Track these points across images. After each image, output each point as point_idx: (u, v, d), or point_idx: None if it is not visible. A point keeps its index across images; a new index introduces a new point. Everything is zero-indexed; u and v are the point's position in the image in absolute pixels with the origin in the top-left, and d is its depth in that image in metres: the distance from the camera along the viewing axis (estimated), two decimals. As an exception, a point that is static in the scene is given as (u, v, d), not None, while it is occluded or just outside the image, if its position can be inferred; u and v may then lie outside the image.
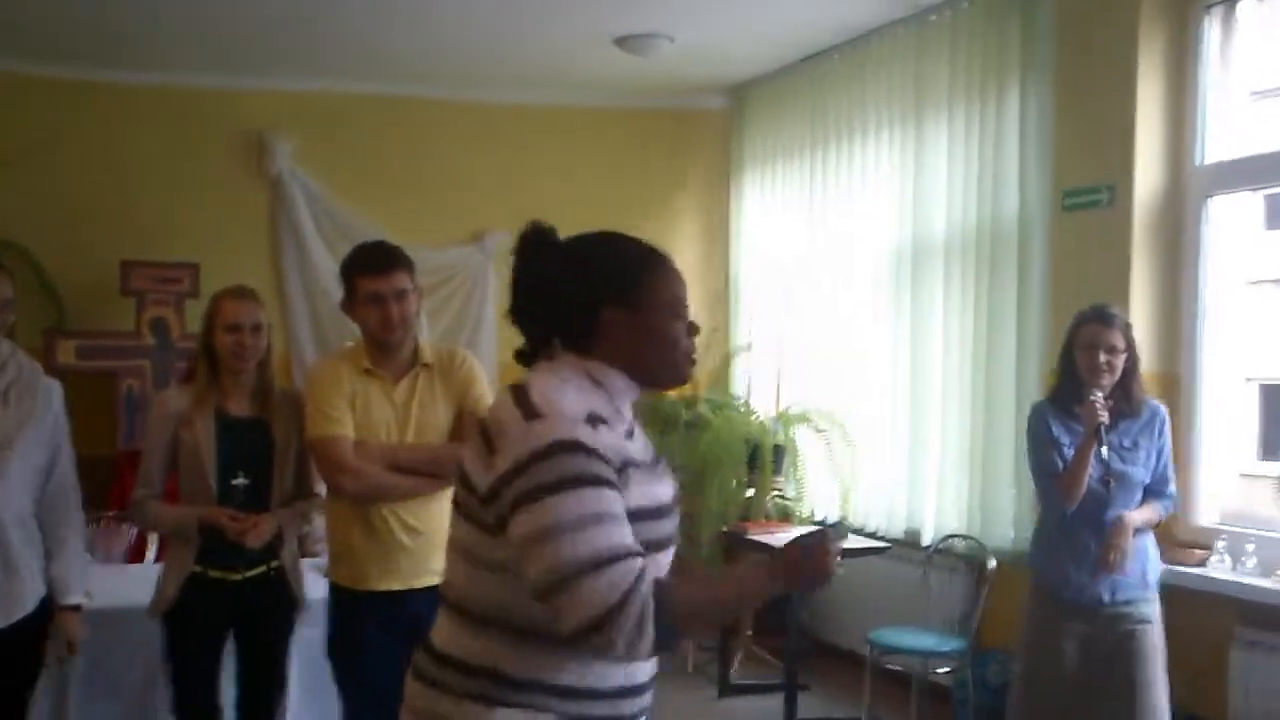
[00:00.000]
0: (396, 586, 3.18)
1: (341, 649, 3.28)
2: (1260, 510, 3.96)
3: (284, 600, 3.53)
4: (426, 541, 3.15)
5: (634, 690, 1.88)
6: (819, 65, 6.30)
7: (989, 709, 4.66)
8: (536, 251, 1.91)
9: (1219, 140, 4.54)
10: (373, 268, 3.16)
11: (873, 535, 5.61)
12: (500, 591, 1.80)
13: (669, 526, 1.89)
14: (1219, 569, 4.18)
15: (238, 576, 3.43)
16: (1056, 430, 3.62)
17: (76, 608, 3.28)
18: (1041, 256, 4.88)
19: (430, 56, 6.43)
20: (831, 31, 5.94)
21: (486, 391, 3.26)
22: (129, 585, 4.00)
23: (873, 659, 4.88)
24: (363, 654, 3.19)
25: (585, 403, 1.81)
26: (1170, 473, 3.71)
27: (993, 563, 4.88)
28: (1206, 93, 4.54)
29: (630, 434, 1.89)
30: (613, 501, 1.72)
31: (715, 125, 7.33)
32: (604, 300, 1.85)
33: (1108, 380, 3.55)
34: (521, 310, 1.91)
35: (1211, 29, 4.56)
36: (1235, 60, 4.57)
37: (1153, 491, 3.68)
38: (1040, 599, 3.71)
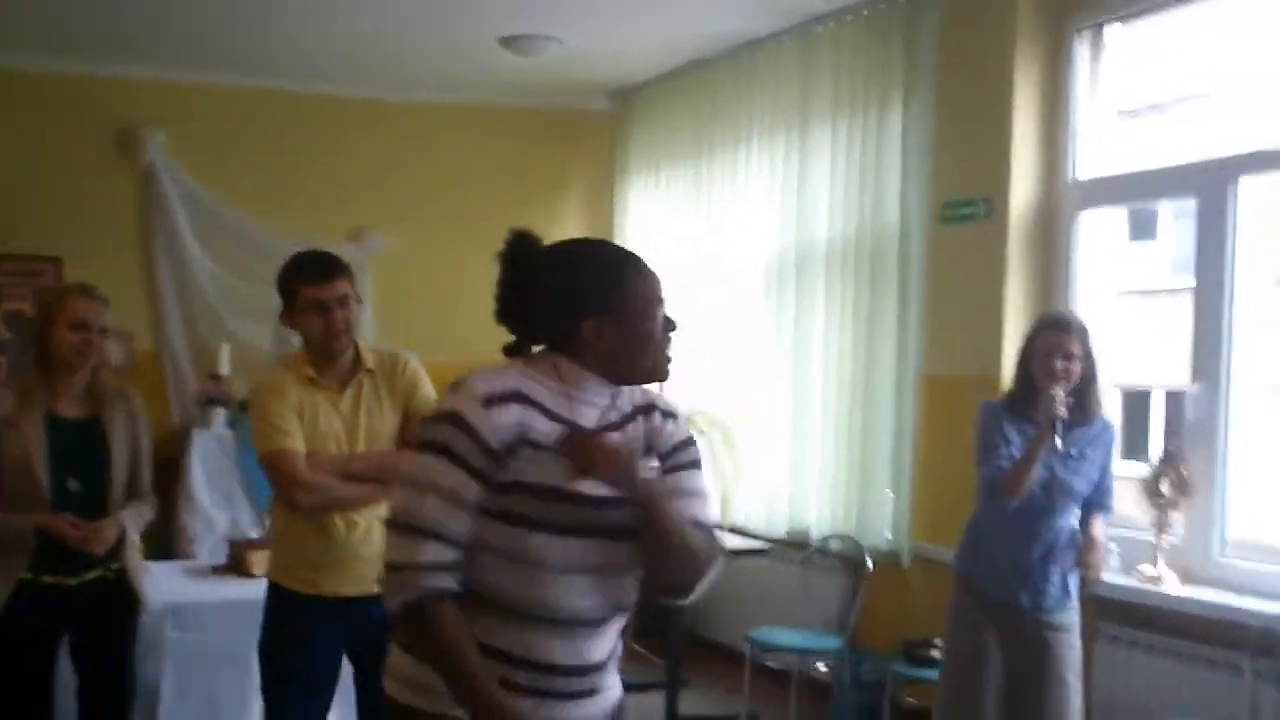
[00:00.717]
0: (350, 592, 3.12)
1: (281, 652, 3.20)
2: (1122, 510, 4.11)
3: (125, 602, 3.45)
4: (379, 550, 3.10)
5: (568, 670, 1.96)
6: (706, 72, 6.37)
7: (865, 705, 4.77)
8: (520, 260, 2.03)
9: (1090, 157, 4.72)
10: (315, 275, 3.11)
11: (754, 536, 5.69)
12: None
13: (586, 515, 1.93)
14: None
15: (74, 581, 3.32)
16: (1007, 429, 3.60)
17: None
18: (920, 266, 5.01)
19: (312, 51, 6.33)
20: (718, 39, 6.02)
21: (432, 392, 3.22)
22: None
23: (753, 656, 4.95)
24: (306, 659, 3.12)
25: (508, 384, 1.94)
26: (1112, 486, 3.74)
27: (869, 563, 5.00)
28: (1078, 112, 4.73)
29: (565, 421, 1.95)
30: (448, 477, 1.88)
31: (601, 128, 7.36)
32: (583, 314, 1.97)
33: (1064, 387, 3.52)
34: (506, 315, 2.05)
35: (1082, 50, 4.75)
36: (1104, 81, 4.77)
37: (1095, 505, 3.70)
38: (965, 596, 3.73)
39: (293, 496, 3.09)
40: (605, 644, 2.02)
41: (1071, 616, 3.67)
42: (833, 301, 5.45)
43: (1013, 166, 4.69)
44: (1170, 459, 4.18)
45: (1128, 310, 11.19)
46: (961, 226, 4.84)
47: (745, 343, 6.03)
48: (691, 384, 6.32)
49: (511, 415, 1.90)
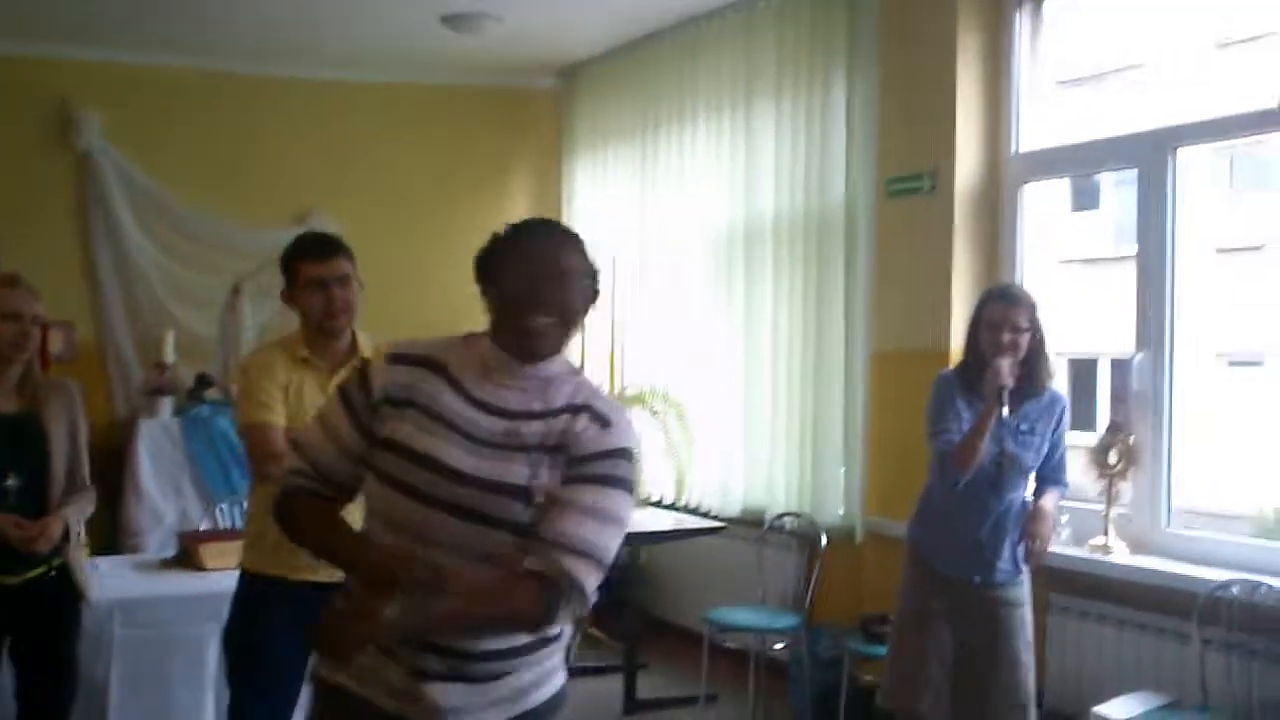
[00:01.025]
0: (322, 578, 3.07)
1: (245, 639, 3.15)
2: (1072, 480, 4.14)
3: (68, 598, 3.39)
4: None
5: (451, 651, 1.91)
6: (650, 48, 6.33)
7: (823, 683, 4.79)
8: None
9: (1033, 129, 4.74)
10: (315, 253, 3.12)
11: (710, 516, 5.70)
12: None
13: (453, 490, 1.89)
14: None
15: (15, 580, 3.26)
16: (959, 403, 3.60)
17: None
18: (867, 241, 5.02)
19: (254, 32, 6.22)
20: (661, 15, 5.98)
21: None
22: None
23: (710, 637, 4.96)
24: (270, 646, 3.07)
25: (425, 350, 2.00)
26: (1065, 459, 3.74)
27: (824, 540, 5.02)
28: (1020, 85, 4.74)
29: (472, 399, 1.95)
30: (334, 412, 2.02)
31: (546, 105, 7.31)
32: (481, 285, 2.01)
33: (1011, 359, 3.52)
34: None
35: (1022, 24, 4.76)
36: (1045, 54, 4.79)
37: (1048, 479, 3.70)
38: (916, 568, 3.74)
39: (266, 470, 3.04)
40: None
41: (1022, 590, 3.68)
42: (781, 278, 5.46)
43: (956, 140, 4.71)
44: (1117, 429, 4.23)
45: (1073, 280, 11.39)
46: (907, 201, 4.85)
47: (696, 321, 6.02)
48: (643, 363, 6.34)
49: (407, 376, 1.97)
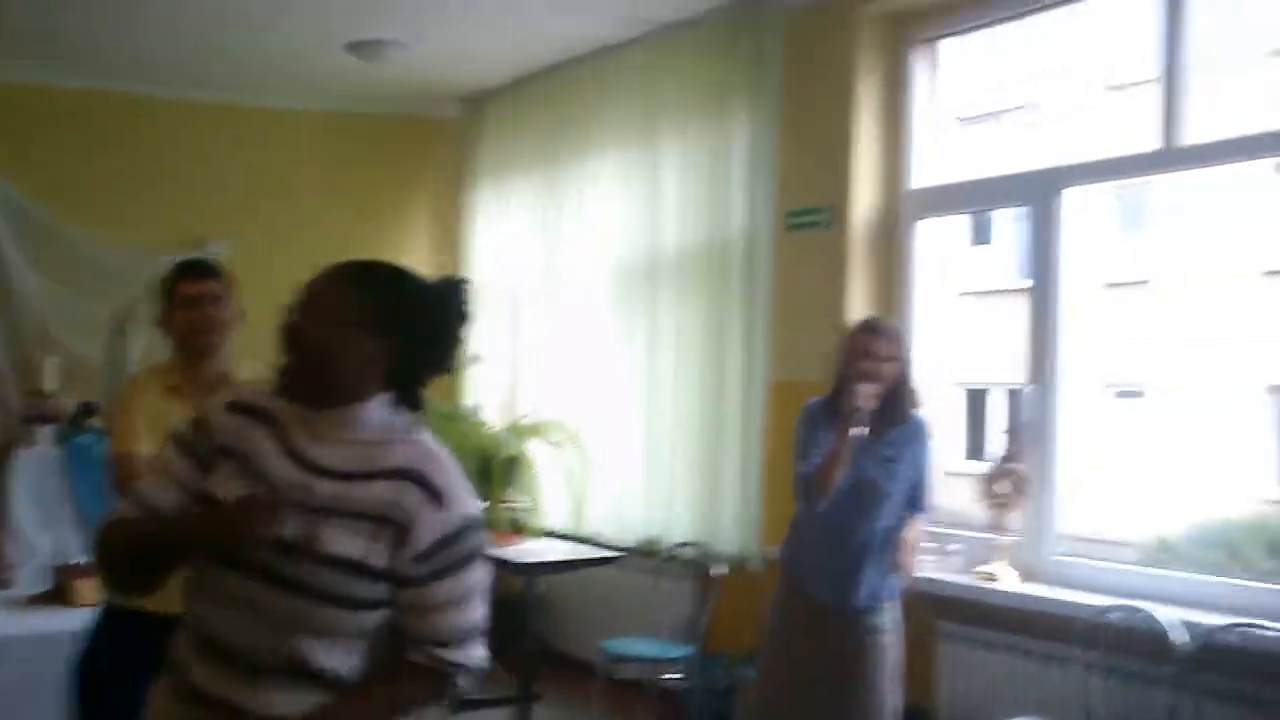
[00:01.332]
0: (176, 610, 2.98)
1: (99, 671, 3.04)
2: (965, 508, 4.23)
3: None
4: None
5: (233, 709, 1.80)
6: (556, 78, 6.34)
7: (717, 712, 4.79)
8: None
9: (928, 166, 4.86)
10: (190, 273, 3.18)
11: (607, 545, 5.68)
12: None
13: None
14: (925, 567, 4.43)
15: None
16: (822, 432, 3.63)
17: None
18: (766, 274, 5.07)
19: (150, 52, 6.08)
20: (567, 46, 5.99)
21: None
22: None
23: (605, 667, 4.93)
24: (124, 680, 2.95)
25: (258, 399, 1.89)
26: (928, 485, 3.79)
27: (719, 569, 5.03)
28: (916, 122, 4.86)
29: (295, 455, 1.84)
30: (168, 458, 1.89)
31: (451, 134, 7.26)
32: None
33: (872, 385, 3.56)
34: None
35: (919, 64, 4.88)
36: (941, 93, 4.92)
37: (912, 505, 3.75)
38: (785, 595, 3.77)
39: (124, 498, 2.97)
40: (296, 698, 1.79)
41: (885, 618, 3.71)
42: (683, 309, 5.48)
43: (854, 176, 4.81)
44: (1007, 458, 4.32)
45: (969, 311, 11.67)
46: (806, 234, 4.92)
47: (597, 352, 6.01)
48: (543, 393, 6.31)
49: (233, 423, 1.87)
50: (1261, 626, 3.47)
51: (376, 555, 1.79)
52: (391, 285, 1.88)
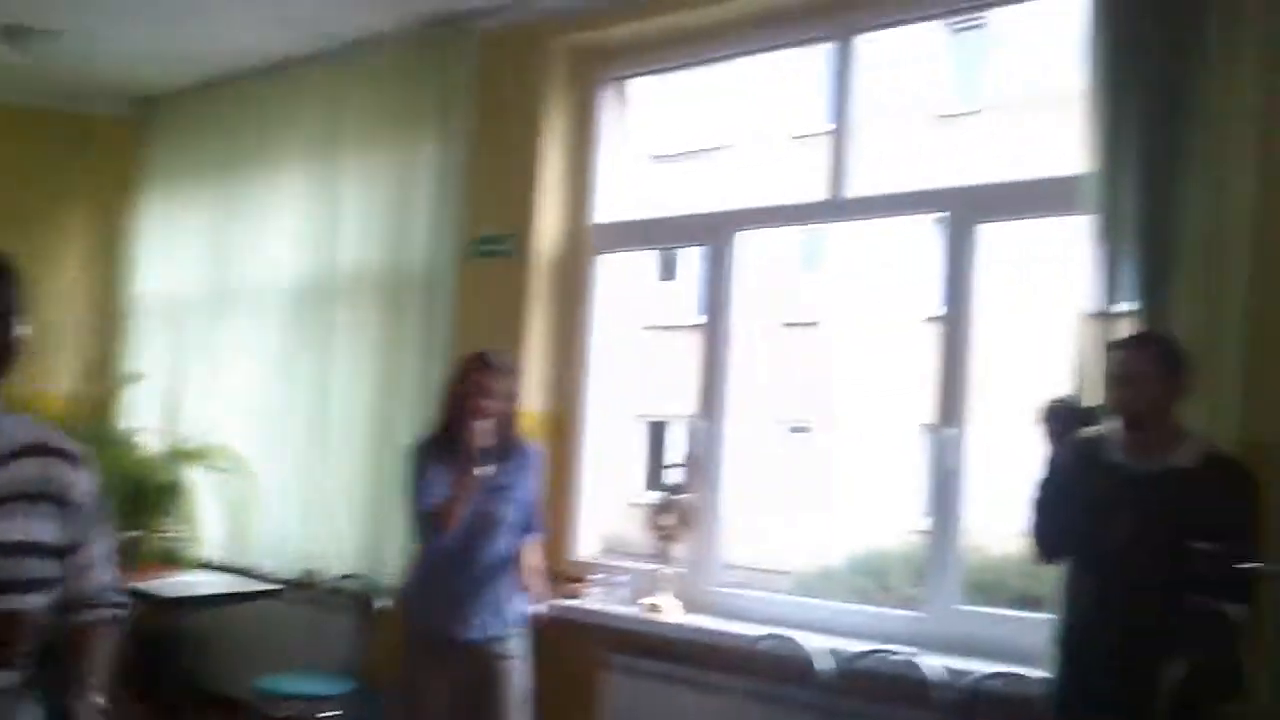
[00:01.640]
0: None
1: None
2: (635, 539, 4.29)
3: None
4: None
5: None
6: (235, 86, 6.03)
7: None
8: None
9: (612, 202, 4.93)
10: None
11: (265, 578, 5.40)
12: None
13: None
14: (594, 599, 4.47)
15: None
16: (434, 467, 3.65)
17: None
18: (446, 301, 4.98)
19: None
20: (246, 55, 5.73)
21: None
22: None
23: (259, 706, 4.68)
24: None
25: None
26: (539, 510, 3.89)
27: (382, 602, 4.87)
28: (603, 158, 4.93)
29: None
30: None
31: (119, 136, 6.77)
32: None
33: (488, 421, 3.62)
34: None
35: (608, 101, 4.96)
36: (630, 130, 5.01)
37: (527, 529, 3.83)
38: (412, 636, 3.77)
39: None
40: None
41: (514, 644, 3.76)
42: (358, 334, 5.29)
43: (540, 207, 4.82)
44: (674, 490, 4.42)
45: (653, 345, 12.00)
46: (489, 262, 4.88)
47: (266, 374, 5.72)
48: (206, 416, 5.94)
49: None
50: (893, 651, 3.68)
51: (44, 532, 1.86)
52: None
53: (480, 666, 3.69)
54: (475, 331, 4.87)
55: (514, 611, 3.77)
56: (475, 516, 3.64)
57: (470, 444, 3.58)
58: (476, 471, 3.57)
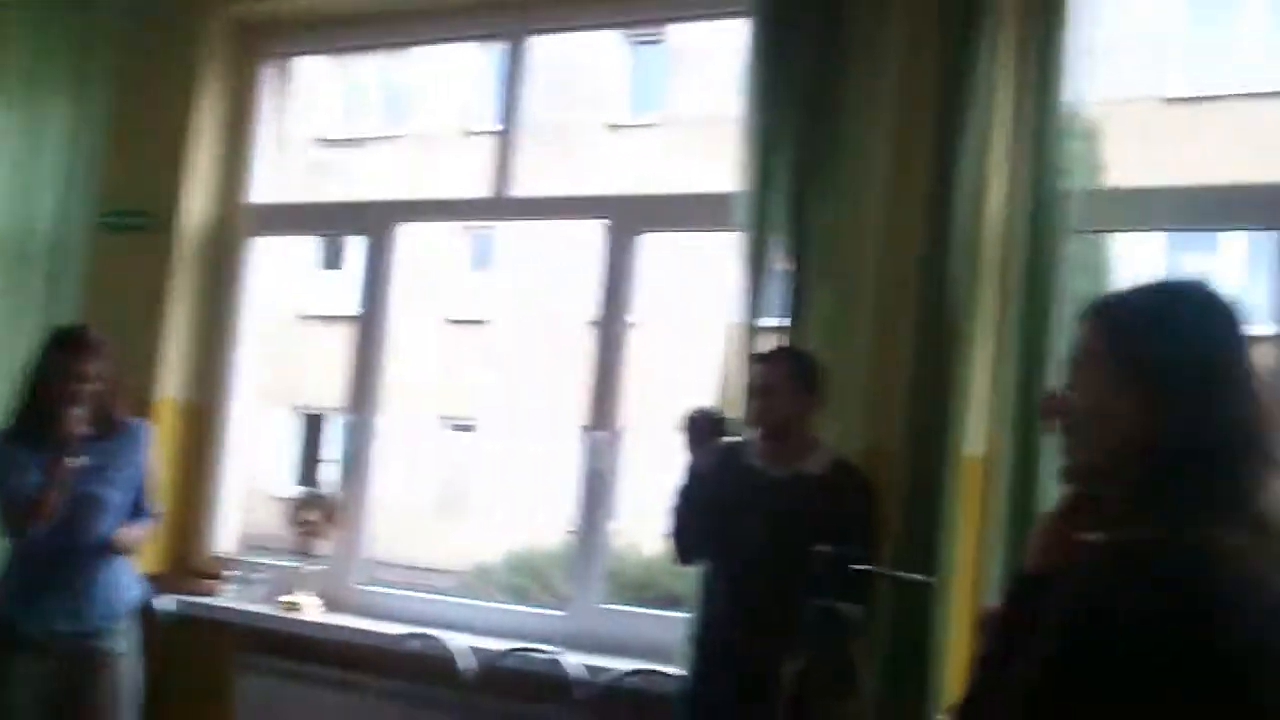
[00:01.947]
0: None
1: None
2: (276, 534, 4.12)
3: None
4: None
5: None
6: None
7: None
8: None
9: (272, 183, 4.71)
10: None
11: None
12: None
13: None
14: (228, 596, 4.26)
15: None
16: (21, 456, 3.37)
17: None
18: (75, 273, 4.59)
19: None
20: None
21: None
22: None
23: None
24: None
25: None
26: (146, 489, 3.62)
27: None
28: (262, 137, 4.70)
29: None
30: None
31: None
32: None
33: (79, 405, 3.36)
34: None
35: (269, 79, 4.73)
36: (292, 111, 4.81)
37: (137, 512, 3.57)
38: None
39: None
40: None
41: (121, 640, 3.51)
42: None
43: (188, 184, 4.55)
44: (321, 485, 4.28)
45: (313, 335, 11.62)
46: (127, 237, 4.55)
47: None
48: None
49: None
50: (537, 650, 3.71)
51: None
52: None
53: (77, 666, 3.42)
54: (110, 309, 4.51)
55: (121, 602, 3.50)
56: (74, 501, 3.36)
57: (63, 432, 3.32)
58: (69, 462, 3.32)
